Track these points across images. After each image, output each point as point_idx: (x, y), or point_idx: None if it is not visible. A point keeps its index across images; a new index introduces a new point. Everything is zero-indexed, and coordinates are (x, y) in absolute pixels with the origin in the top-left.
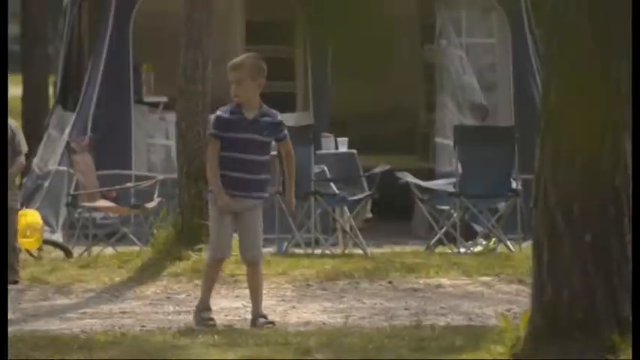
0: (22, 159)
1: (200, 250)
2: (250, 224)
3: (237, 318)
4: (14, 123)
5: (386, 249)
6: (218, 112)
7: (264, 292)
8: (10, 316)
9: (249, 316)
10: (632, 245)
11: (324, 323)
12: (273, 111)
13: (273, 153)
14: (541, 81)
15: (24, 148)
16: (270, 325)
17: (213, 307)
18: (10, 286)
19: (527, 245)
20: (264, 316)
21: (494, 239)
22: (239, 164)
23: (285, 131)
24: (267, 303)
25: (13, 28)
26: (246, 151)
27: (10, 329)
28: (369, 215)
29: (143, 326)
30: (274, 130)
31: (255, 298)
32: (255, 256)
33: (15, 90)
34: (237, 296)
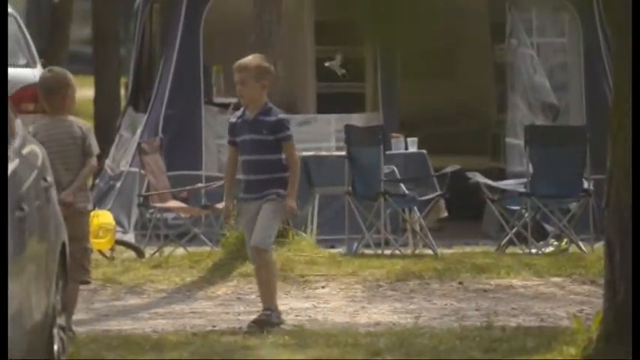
0: (93, 161)
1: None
2: (260, 218)
3: (307, 318)
4: (85, 124)
5: (456, 249)
6: (230, 118)
7: (333, 292)
8: (82, 316)
9: (319, 317)
10: (632, 245)
11: (394, 324)
12: (276, 110)
13: (340, 153)
14: (612, 80)
15: (95, 149)
16: (264, 318)
17: (283, 308)
18: (82, 287)
19: (599, 246)
20: (269, 309)
21: (565, 240)
22: (247, 166)
23: (288, 132)
24: (338, 303)
25: (85, 30)
26: (251, 152)
27: (82, 329)
28: (445, 214)
29: (214, 326)
30: (273, 128)
31: (262, 290)
32: (261, 241)
33: (87, 92)
34: (307, 297)
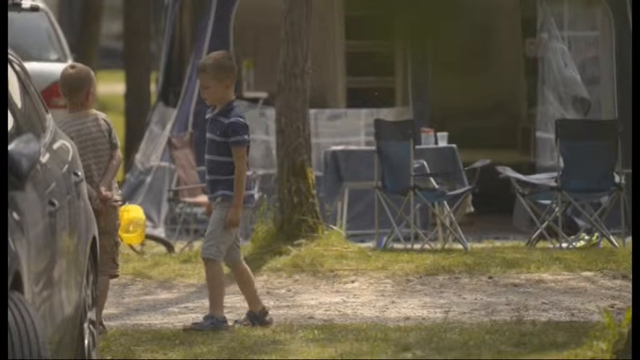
0: (119, 152)
1: (300, 245)
2: (209, 224)
3: (337, 313)
4: (106, 117)
5: (486, 244)
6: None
7: (363, 286)
8: (113, 310)
9: (349, 312)
10: (632, 245)
11: (423, 318)
12: (235, 112)
13: (369, 148)
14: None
15: (118, 141)
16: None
17: (312, 302)
18: (112, 281)
19: (630, 240)
20: (209, 316)
21: (597, 234)
22: (207, 165)
23: (238, 137)
24: (367, 298)
25: (116, 25)
26: (209, 151)
27: (113, 323)
28: (471, 209)
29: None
30: (225, 130)
31: (209, 296)
32: (204, 250)
33: (118, 87)
34: (336, 291)
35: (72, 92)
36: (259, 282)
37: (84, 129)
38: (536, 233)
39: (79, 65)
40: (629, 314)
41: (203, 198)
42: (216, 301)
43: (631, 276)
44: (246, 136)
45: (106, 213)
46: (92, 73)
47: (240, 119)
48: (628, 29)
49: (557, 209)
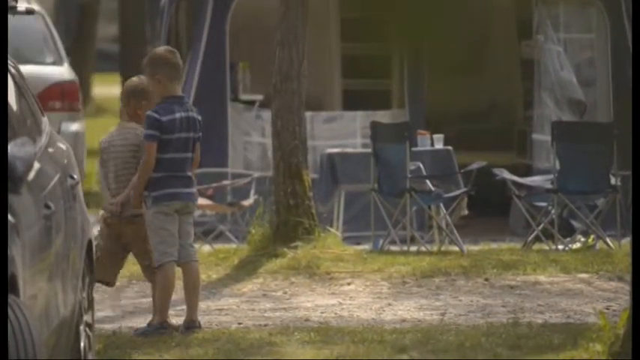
0: None
1: (296, 247)
2: None
3: (333, 315)
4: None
5: (482, 246)
6: None
7: (359, 289)
8: (109, 313)
9: (345, 314)
10: (632, 245)
11: (419, 321)
12: (156, 108)
13: (365, 150)
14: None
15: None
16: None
17: (308, 304)
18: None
19: (626, 242)
20: (152, 322)
21: (592, 236)
22: None
23: (145, 131)
24: (364, 300)
25: (112, 28)
26: None
27: (109, 326)
28: (465, 212)
29: (240, 323)
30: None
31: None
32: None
33: (114, 89)
34: (332, 293)
35: (129, 101)
36: (255, 284)
37: (114, 140)
38: (532, 235)
39: (142, 78)
40: (624, 316)
41: (200, 200)
42: (161, 306)
43: (627, 277)
44: (151, 131)
45: (124, 226)
46: (147, 88)
47: (151, 114)
48: (623, 31)
49: (553, 211)
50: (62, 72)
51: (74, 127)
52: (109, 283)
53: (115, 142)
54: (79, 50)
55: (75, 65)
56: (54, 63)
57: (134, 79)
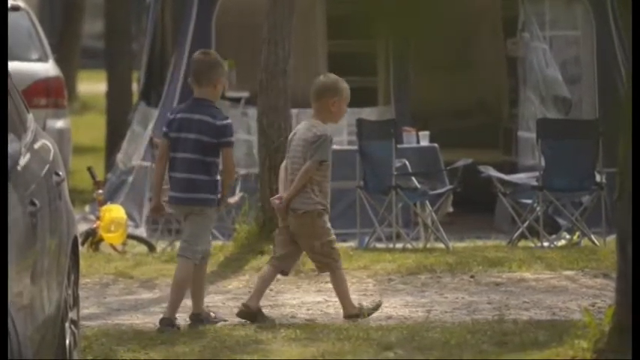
0: (309, 164)
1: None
2: None
3: (319, 312)
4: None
5: (468, 243)
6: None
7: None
8: (94, 310)
9: (331, 311)
10: (632, 245)
11: (405, 318)
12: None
13: (351, 147)
14: (625, 74)
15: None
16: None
17: (294, 302)
18: (94, 280)
19: (611, 239)
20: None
21: (578, 233)
22: None
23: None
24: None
25: (97, 25)
26: None
27: (94, 323)
28: (451, 209)
29: (225, 320)
30: None
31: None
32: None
33: (99, 86)
34: (318, 290)
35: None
36: (241, 281)
37: (297, 134)
38: (518, 232)
39: (332, 76)
40: (609, 313)
41: None
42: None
43: (612, 274)
44: (164, 129)
45: (286, 217)
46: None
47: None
48: (609, 28)
49: (538, 208)
50: (47, 68)
51: (59, 123)
52: (284, 272)
53: (295, 137)
54: (65, 47)
55: (60, 62)
56: (39, 59)
57: (322, 77)
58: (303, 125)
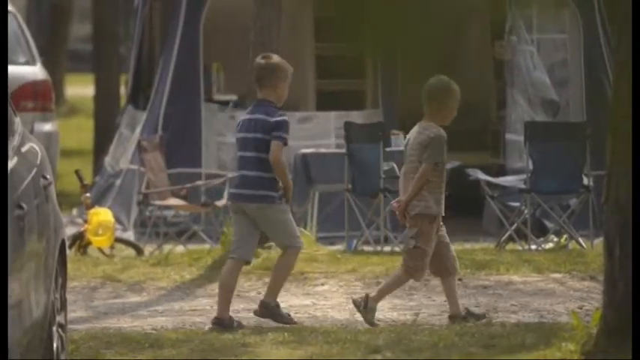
0: (424, 168)
1: (270, 247)
2: None
3: (307, 315)
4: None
5: (456, 246)
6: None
7: (333, 289)
8: (81, 313)
9: (318, 314)
10: (632, 246)
11: (393, 321)
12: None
13: (339, 150)
14: (613, 77)
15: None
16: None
17: (282, 305)
18: (82, 284)
19: (599, 242)
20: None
21: (565, 236)
22: None
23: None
24: (337, 300)
25: (85, 28)
26: None
27: (82, 327)
28: None
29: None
30: None
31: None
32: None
33: (87, 89)
34: (306, 294)
35: (428, 101)
36: None
37: (411, 137)
38: (506, 235)
39: (444, 78)
40: (597, 315)
41: (173, 201)
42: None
43: (600, 277)
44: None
45: (404, 220)
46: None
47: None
48: (596, 32)
49: (526, 211)
50: (35, 72)
51: (47, 127)
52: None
53: (410, 141)
54: (52, 50)
55: (48, 65)
56: (26, 63)
57: (433, 79)
58: (416, 129)
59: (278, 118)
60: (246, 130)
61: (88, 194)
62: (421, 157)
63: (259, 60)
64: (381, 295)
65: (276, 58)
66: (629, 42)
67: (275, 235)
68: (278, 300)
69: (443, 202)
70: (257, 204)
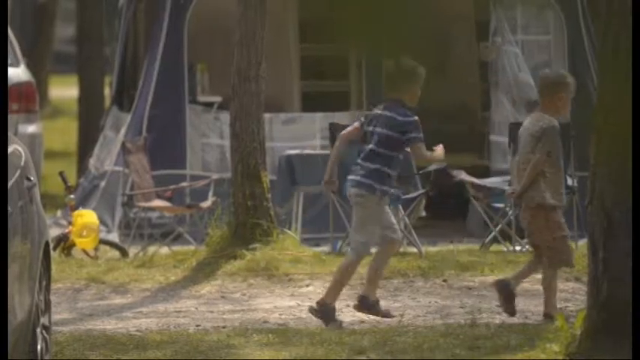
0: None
1: (255, 249)
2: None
3: (292, 317)
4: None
5: (440, 247)
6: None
7: (318, 290)
8: (66, 315)
9: (303, 315)
10: (632, 246)
11: (378, 322)
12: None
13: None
14: (597, 78)
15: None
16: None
17: (267, 306)
18: (66, 286)
19: (583, 243)
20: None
21: None
22: None
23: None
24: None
25: (69, 29)
26: None
27: (66, 329)
28: (424, 213)
29: (198, 325)
30: None
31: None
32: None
33: (71, 91)
34: (291, 295)
35: (544, 94)
36: (214, 286)
37: (524, 127)
38: (490, 236)
39: (562, 72)
40: (581, 316)
41: (158, 202)
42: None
43: (584, 278)
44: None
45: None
46: (567, 79)
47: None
48: (580, 33)
49: (510, 212)
50: (18, 73)
51: (31, 128)
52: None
53: (524, 132)
54: (36, 51)
55: (31, 66)
56: (10, 64)
57: (547, 71)
58: (529, 120)
59: (408, 119)
60: (374, 124)
61: (72, 196)
62: (534, 147)
63: (390, 64)
64: (548, 300)
65: (411, 62)
66: (616, 42)
67: (358, 227)
68: (258, 300)
69: (563, 192)
70: (363, 191)
